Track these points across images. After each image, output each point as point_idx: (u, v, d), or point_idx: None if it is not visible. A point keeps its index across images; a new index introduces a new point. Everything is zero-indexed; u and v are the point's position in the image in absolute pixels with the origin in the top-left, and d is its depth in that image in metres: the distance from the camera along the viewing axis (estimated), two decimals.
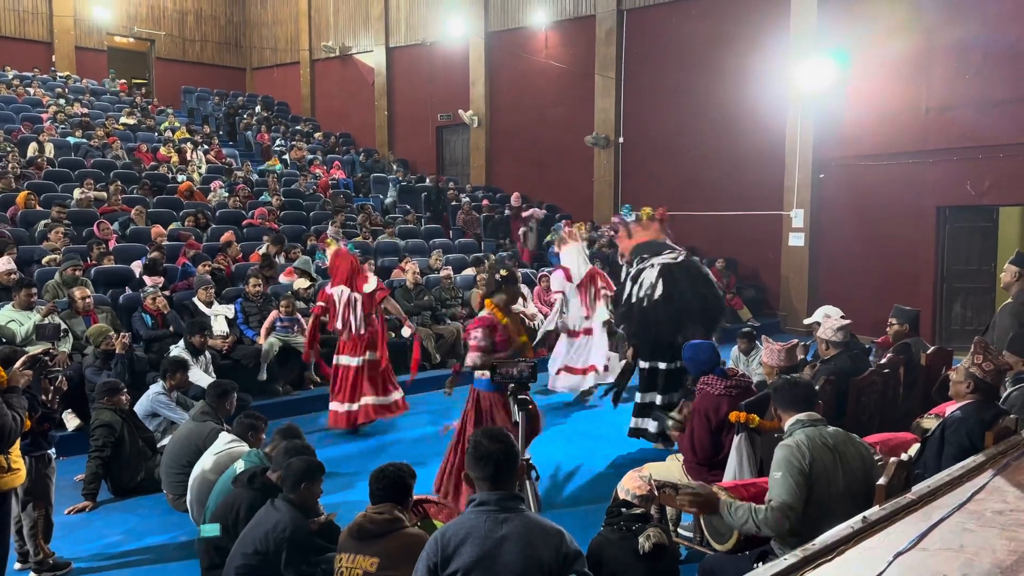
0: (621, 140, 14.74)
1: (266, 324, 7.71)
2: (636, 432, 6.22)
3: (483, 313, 4.89)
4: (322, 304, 6.89)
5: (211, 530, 3.82)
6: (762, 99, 12.51)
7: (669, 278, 5.98)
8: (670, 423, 4.68)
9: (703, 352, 4.53)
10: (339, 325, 6.72)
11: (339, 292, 6.75)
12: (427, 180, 16.37)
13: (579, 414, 7.64)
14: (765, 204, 12.71)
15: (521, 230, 13.49)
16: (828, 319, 5.00)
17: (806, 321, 6.18)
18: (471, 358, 4.69)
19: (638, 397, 6.22)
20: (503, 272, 5.04)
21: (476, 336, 4.70)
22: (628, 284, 6.15)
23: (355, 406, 6.65)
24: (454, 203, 14.97)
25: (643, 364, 6.15)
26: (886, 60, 11.42)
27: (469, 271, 10.92)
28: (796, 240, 12.43)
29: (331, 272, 6.97)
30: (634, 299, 6.03)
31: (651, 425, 6.07)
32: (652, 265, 6.08)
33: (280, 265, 9.57)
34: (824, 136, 12.02)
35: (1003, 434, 3.21)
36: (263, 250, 9.78)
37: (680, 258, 6.15)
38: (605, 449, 6.42)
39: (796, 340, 4.69)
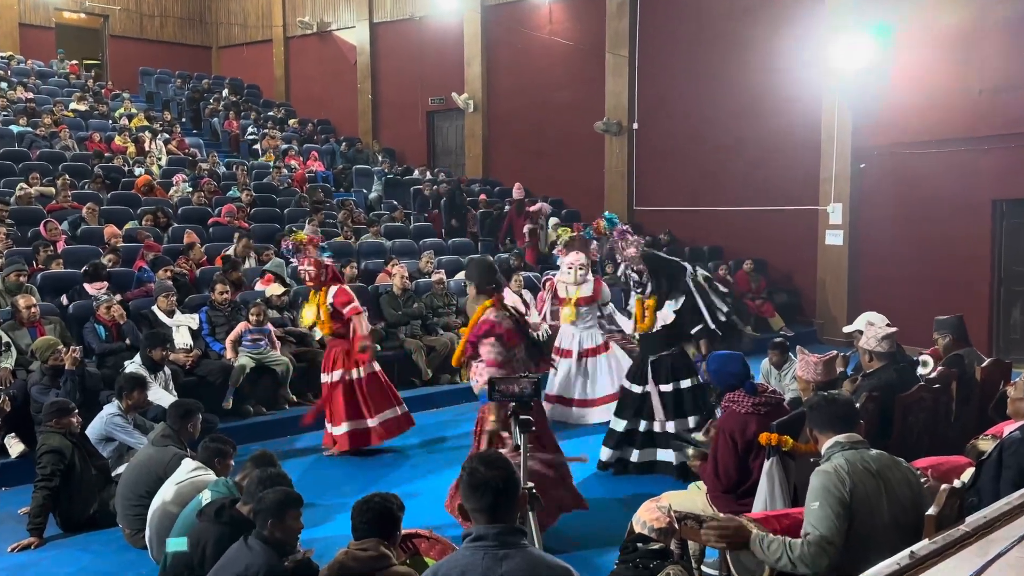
0: (635, 126, 14.77)
1: (232, 336, 7.70)
2: (615, 465, 6.27)
3: (487, 314, 4.82)
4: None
5: (178, 544, 3.84)
6: (794, 80, 12.53)
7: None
8: (691, 452, 4.66)
9: (731, 364, 4.50)
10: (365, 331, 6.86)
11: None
12: (433, 178, 16.34)
13: (582, 438, 7.64)
14: (798, 198, 12.72)
15: (526, 227, 13.49)
16: (871, 327, 5.01)
17: (846, 329, 6.19)
18: (486, 372, 4.65)
19: (620, 424, 6.28)
20: (489, 259, 5.02)
21: (489, 351, 4.69)
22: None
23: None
24: (447, 198, 14.97)
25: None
26: (934, 35, 11.44)
27: (463, 275, 10.91)
28: (834, 238, 12.44)
29: (329, 276, 6.99)
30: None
31: (671, 455, 6.08)
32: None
33: (250, 269, 9.57)
34: (864, 121, 12.04)
35: None
36: (228, 251, 9.77)
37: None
38: (616, 476, 6.38)
39: (835, 351, 4.69)
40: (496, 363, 4.68)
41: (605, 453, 6.34)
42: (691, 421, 6.12)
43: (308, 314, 7.10)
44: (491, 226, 14.19)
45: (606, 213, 6.85)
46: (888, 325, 5.11)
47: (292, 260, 7.17)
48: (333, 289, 6.87)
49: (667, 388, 6.16)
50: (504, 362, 4.68)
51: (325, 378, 6.94)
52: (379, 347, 8.65)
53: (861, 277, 12.33)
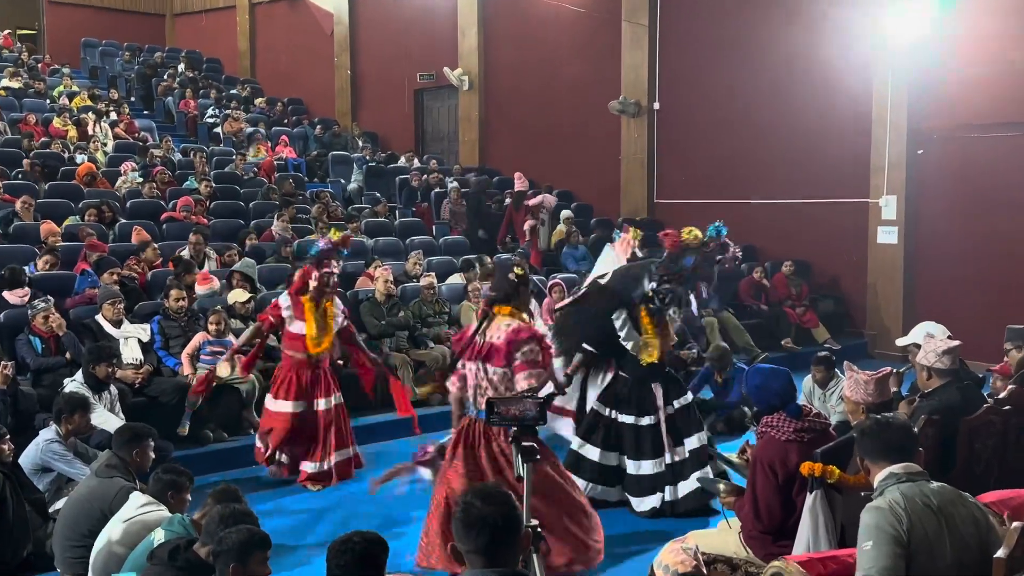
0: (656, 106, 14.78)
1: (188, 349, 7.71)
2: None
3: (510, 323, 4.93)
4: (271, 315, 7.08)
5: None
6: (841, 52, 12.53)
7: None
8: (723, 487, 4.65)
9: (775, 380, 4.49)
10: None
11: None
12: (423, 167, 16.37)
13: None
14: (846, 190, 12.72)
15: (528, 223, 13.50)
16: (929, 340, 5.00)
17: (900, 342, 6.18)
18: (523, 381, 4.78)
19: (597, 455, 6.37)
20: (517, 271, 5.09)
21: (528, 349, 4.80)
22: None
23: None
24: (438, 189, 15.01)
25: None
26: (1002, 1, 11.45)
27: (457, 278, 10.93)
28: (887, 236, 12.44)
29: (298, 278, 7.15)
30: None
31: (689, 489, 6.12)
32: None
33: (216, 272, 9.58)
34: (923, 101, 12.05)
35: None
36: (183, 252, 9.78)
37: None
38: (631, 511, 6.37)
39: (889, 368, 4.68)
40: (537, 365, 4.85)
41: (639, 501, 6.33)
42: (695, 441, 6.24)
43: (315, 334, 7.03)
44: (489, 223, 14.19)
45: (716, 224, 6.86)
46: (950, 337, 5.11)
47: (318, 262, 7.04)
48: (339, 303, 7.11)
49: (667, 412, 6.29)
50: (541, 368, 4.86)
51: (323, 404, 7.01)
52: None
53: (919, 281, 12.33)
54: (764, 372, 4.55)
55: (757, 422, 4.57)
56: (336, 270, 7.03)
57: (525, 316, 5.06)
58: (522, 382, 4.81)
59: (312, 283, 6.91)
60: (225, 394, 7.72)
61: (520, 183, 14.20)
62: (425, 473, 5.30)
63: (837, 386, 7.38)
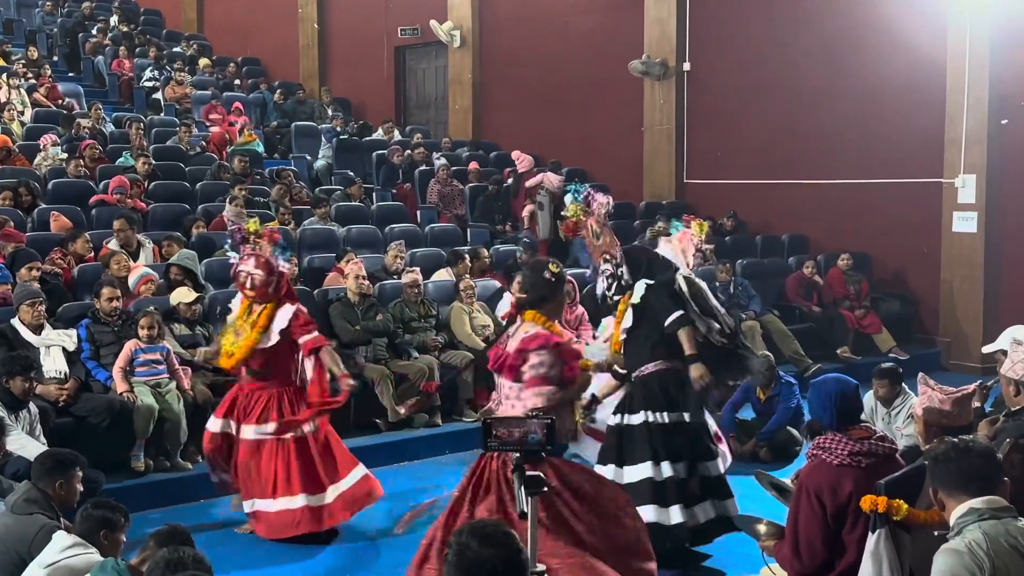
0: (687, 68, 14.78)
1: (119, 363, 7.65)
2: None
3: (531, 329, 5.03)
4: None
5: None
6: (907, 7, 12.55)
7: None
8: (762, 530, 4.66)
9: (846, 390, 4.49)
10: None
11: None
12: (406, 140, 16.34)
13: None
14: (914, 169, 12.72)
15: (526, 208, 13.50)
16: (1018, 348, 5.00)
17: (987, 349, 6.16)
18: (531, 399, 4.86)
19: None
20: (552, 268, 5.19)
21: (538, 361, 4.85)
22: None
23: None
24: (423, 168, 15.00)
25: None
26: None
27: (447, 275, 10.93)
28: (964, 224, 12.44)
29: (283, 291, 6.95)
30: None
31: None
32: None
33: (156, 266, 9.55)
34: (1007, 63, 12.03)
35: None
36: (111, 243, 9.76)
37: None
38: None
39: (973, 385, 4.69)
40: (544, 381, 4.92)
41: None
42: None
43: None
44: (485, 206, 14.20)
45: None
46: None
47: (231, 255, 7.04)
48: (287, 311, 6.74)
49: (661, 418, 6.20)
50: (553, 381, 4.95)
51: (251, 433, 6.71)
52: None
53: (1003, 277, 12.32)
54: (828, 383, 4.55)
55: (812, 440, 4.57)
56: (252, 265, 6.73)
57: (556, 324, 5.14)
58: (528, 400, 4.89)
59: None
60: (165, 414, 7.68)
61: (522, 164, 14.19)
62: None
63: (904, 404, 7.36)
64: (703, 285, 6.40)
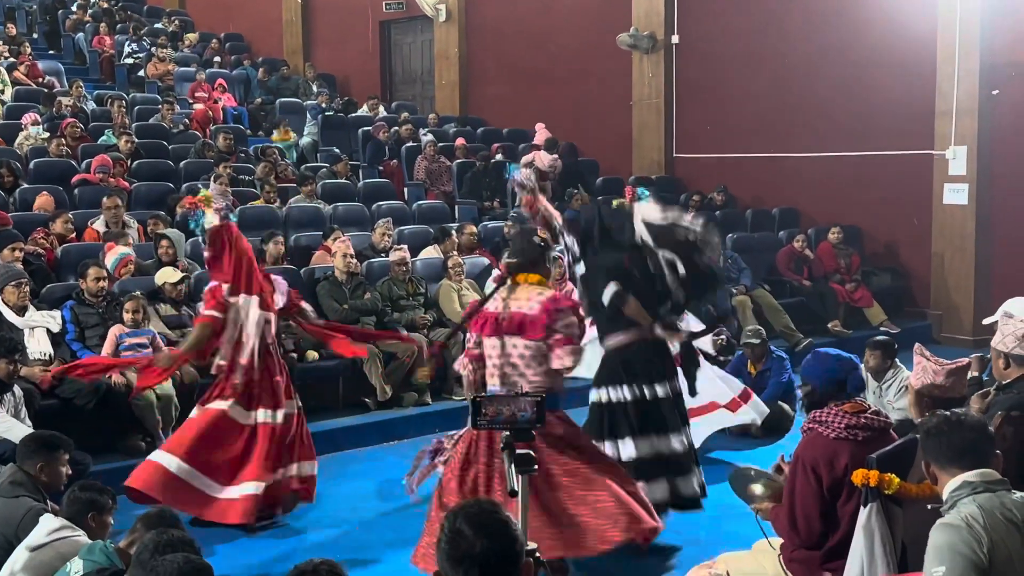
0: (676, 40, 14.74)
1: (106, 349, 7.64)
2: None
3: (542, 292, 5.12)
4: (215, 314, 6.73)
5: None
6: None
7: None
8: (759, 491, 4.66)
9: (843, 365, 4.49)
10: (243, 359, 6.65)
11: (245, 304, 6.68)
12: (392, 116, 16.25)
13: None
14: (905, 140, 12.71)
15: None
16: (1008, 320, 4.99)
17: (987, 321, 6.15)
18: (564, 359, 4.94)
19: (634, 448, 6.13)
20: (542, 234, 5.29)
21: (568, 323, 4.97)
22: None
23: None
24: (410, 144, 14.95)
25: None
26: None
27: (434, 252, 10.91)
28: (955, 196, 12.45)
29: (218, 263, 6.86)
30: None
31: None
32: None
33: (141, 246, 9.53)
34: (999, 30, 12.01)
35: None
36: (96, 223, 9.71)
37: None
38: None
39: (967, 358, 4.68)
40: (573, 341, 5.02)
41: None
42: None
43: None
44: (472, 182, 14.16)
45: (642, 188, 6.87)
46: None
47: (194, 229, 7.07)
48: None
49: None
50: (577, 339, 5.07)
51: (265, 416, 6.62)
52: (316, 355, 8.68)
53: (995, 249, 12.34)
54: (830, 356, 4.56)
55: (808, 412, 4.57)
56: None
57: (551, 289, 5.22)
58: (560, 359, 4.97)
59: None
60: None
61: (543, 133, 13.78)
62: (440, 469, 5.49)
63: (895, 377, 7.38)
64: (671, 216, 6.16)
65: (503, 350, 5.11)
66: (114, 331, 7.71)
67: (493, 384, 5.17)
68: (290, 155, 14.25)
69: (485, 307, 5.27)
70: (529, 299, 5.08)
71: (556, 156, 14.09)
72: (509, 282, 5.22)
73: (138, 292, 8.11)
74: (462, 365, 5.32)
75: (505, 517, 2.61)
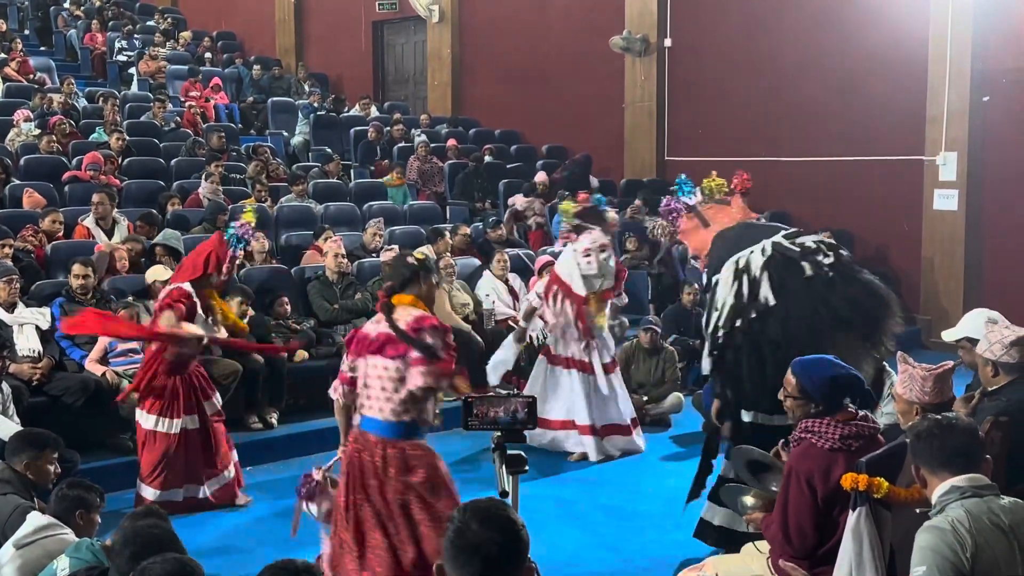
0: (668, 44, 14.76)
1: (93, 356, 7.65)
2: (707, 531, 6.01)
3: (412, 312, 4.90)
4: (183, 305, 6.73)
5: None
6: None
7: (781, 274, 5.72)
8: (749, 501, 4.67)
9: (840, 374, 4.45)
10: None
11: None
12: (385, 116, 16.24)
13: (594, 477, 7.66)
14: (895, 145, 12.75)
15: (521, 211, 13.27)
16: (993, 328, 5.01)
17: (948, 335, 6.08)
18: (417, 378, 4.75)
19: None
20: (417, 255, 5.14)
21: (431, 340, 4.78)
22: (716, 299, 5.89)
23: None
24: (402, 144, 14.95)
25: (746, 418, 5.90)
26: None
27: (427, 250, 10.90)
28: (945, 201, 12.48)
29: (195, 263, 6.97)
30: (729, 321, 5.83)
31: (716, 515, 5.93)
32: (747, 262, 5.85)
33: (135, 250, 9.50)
34: (990, 37, 12.05)
35: None
36: (86, 220, 9.70)
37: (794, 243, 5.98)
38: (641, 536, 6.40)
39: (950, 362, 4.69)
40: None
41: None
42: None
43: None
44: (464, 183, 14.16)
45: (682, 177, 6.84)
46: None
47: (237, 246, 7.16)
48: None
49: None
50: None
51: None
52: (306, 355, 8.71)
53: (985, 255, 12.37)
54: (823, 365, 4.49)
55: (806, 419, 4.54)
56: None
57: (429, 311, 5.02)
58: (417, 379, 4.72)
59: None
60: None
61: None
62: (312, 508, 5.17)
63: (886, 383, 7.40)
64: None
65: (366, 371, 4.93)
66: (104, 338, 7.72)
67: (363, 410, 4.98)
68: (396, 198, 13.95)
69: (362, 330, 5.10)
70: (398, 319, 4.90)
71: (530, 199, 13.54)
72: (387, 305, 4.99)
73: (130, 299, 8.15)
74: (334, 389, 5.13)
75: (514, 516, 2.63)
